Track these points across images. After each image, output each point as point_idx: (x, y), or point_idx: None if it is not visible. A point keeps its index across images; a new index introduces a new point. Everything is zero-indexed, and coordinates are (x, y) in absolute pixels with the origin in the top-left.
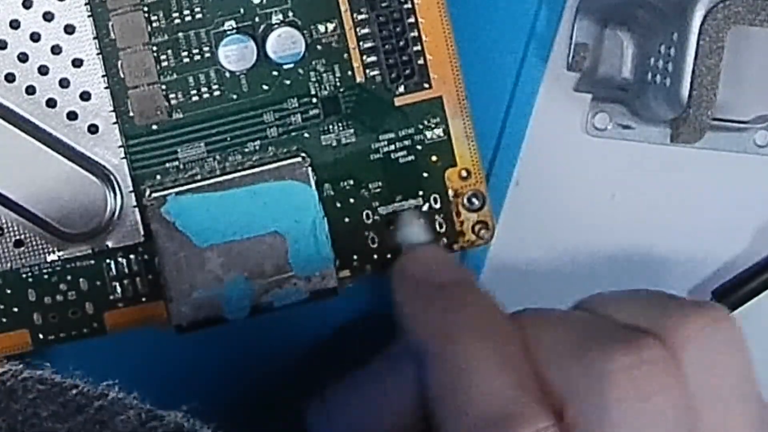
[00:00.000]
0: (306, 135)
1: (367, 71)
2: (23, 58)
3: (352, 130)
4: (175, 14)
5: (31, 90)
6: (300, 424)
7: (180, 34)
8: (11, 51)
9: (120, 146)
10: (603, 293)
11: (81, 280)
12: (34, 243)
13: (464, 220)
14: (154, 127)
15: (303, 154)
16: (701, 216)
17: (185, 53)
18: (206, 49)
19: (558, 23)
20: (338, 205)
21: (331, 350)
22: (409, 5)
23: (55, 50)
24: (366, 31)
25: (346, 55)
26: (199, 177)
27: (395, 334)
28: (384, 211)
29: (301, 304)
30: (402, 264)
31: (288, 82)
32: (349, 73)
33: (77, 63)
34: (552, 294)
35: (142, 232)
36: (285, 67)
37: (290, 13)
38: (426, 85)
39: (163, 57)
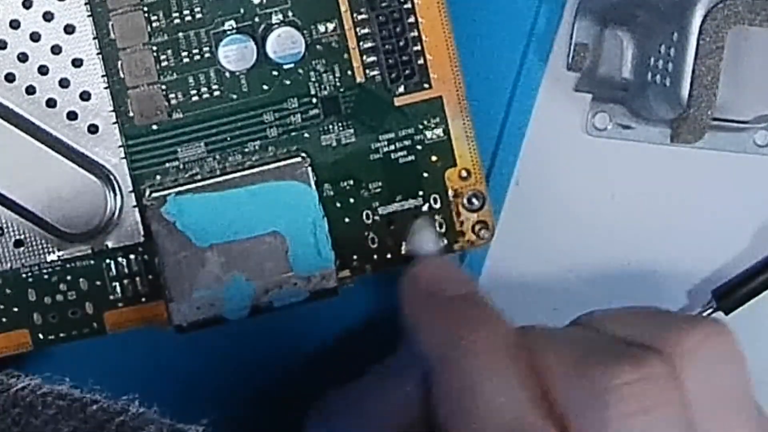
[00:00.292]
0: (306, 135)
1: (367, 71)
2: (23, 58)
3: (352, 130)
4: (175, 14)
5: (31, 90)
6: (300, 424)
7: (180, 34)
8: (11, 51)
9: (120, 146)
10: (601, 309)
11: (81, 280)
12: (34, 243)
13: (464, 220)
14: (154, 127)
15: (303, 154)
16: (701, 216)
17: (185, 53)
18: (206, 49)
19: (558, 23)
20: (338, 205)
21: (333, 355)
22: (409, 5)
23: (55, 50)
24: (366, 31)
25: (346, 55)
26: (199, 177)
27: (394, 341)
28: (384, 211)
29: (301, 304)
30: (411, 275)
31: (288, 82)
32: (349, 73)
33: (77, 63)
34: (552, 294)
35: (142, 232)
36: (285, 67)
37: (290, 13)
38: (426, 85)
39: (163, 57)
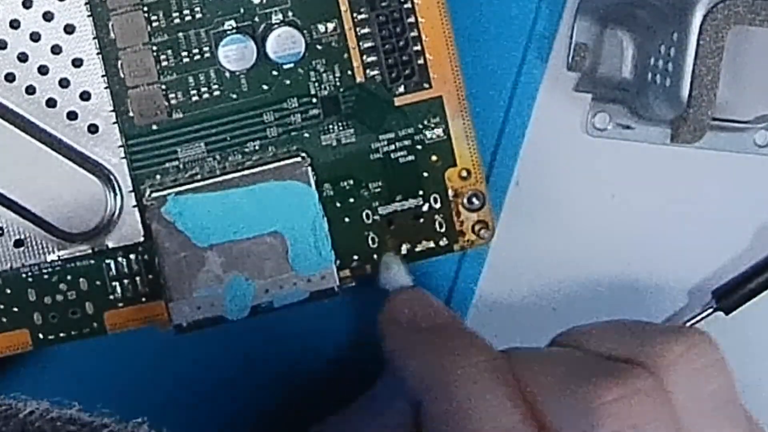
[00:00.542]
0: (306, 135)
1: (367, 71)
2: (23, 58)
3: (352, 130)
4: (175, 14)
5: (31, 90)
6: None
7: (180, 34)
8: (11, 51)
9: (120, 146)
10: (580, 326)
11: (81, 280)
12: (34, 243)
13: (464, 220)
14: (154, 126)
15: (303, 154)
16: (701, 216)
17: (185, 53)
18: (206, 49)
19: (558, 23)
20: (338, 205)
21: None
22: (409, 5)
23: (55, 50)
24: (366, 31)
25: (346, 55)
26: (199, 177)
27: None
28: (384, 211)
29: (301, 304)
30: (388, 311)
31: (288, 82)
32: (349, 73)
33: (77, 63)
34: (552, 294)
35: (142, 232)
36: (285, 67)
37: (290, 13)
38: (426, 85)
39: (163, 57)
